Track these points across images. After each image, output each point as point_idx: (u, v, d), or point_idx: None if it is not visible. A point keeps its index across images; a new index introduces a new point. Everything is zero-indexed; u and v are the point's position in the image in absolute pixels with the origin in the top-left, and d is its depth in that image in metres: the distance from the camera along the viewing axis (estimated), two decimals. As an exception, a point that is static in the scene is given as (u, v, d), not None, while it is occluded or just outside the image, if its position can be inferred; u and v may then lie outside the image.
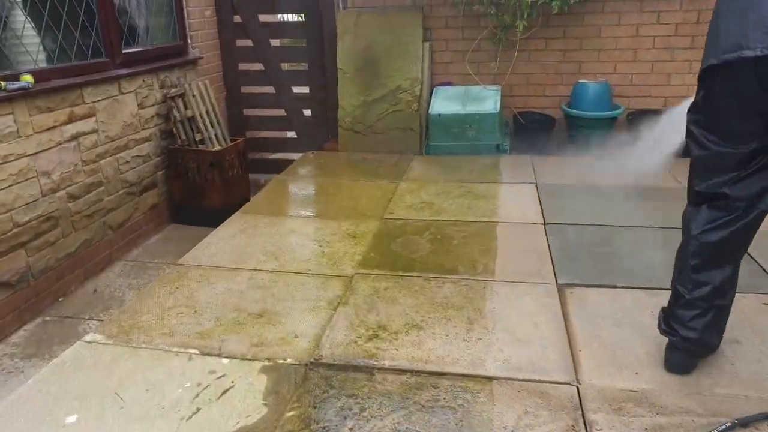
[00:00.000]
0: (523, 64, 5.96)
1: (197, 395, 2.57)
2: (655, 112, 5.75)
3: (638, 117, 5.67)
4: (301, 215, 4.65)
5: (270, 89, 6.57)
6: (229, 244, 4.10)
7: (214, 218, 4.68)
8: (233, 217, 4.60)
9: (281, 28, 7.05)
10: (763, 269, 3.41)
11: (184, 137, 5.32)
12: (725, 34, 2.10)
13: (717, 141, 2.24)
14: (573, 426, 2.30)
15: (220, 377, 2.70)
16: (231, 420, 2.42)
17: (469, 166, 5.51)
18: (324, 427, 2.36)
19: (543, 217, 4.30)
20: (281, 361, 2.80)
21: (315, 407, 2.48)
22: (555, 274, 3.47)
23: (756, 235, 2.36)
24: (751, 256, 3.54)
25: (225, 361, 2.83)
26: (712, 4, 2.22)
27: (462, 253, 3.81)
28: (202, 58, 5.85)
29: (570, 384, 2.55)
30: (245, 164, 5.92)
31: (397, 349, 2.84)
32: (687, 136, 2.37)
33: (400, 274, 3.57)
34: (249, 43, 6.39)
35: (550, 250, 3.77)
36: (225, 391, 2.61)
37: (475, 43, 5.99)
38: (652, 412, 2.35)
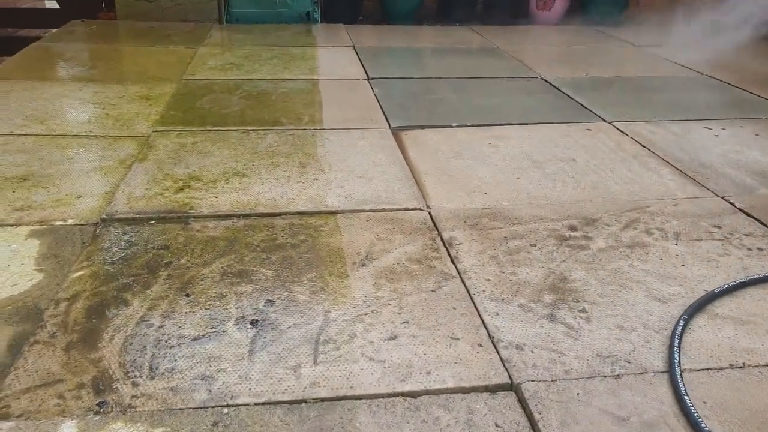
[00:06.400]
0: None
1: (-73, 272, 1.80)
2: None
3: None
4: (72, 79, 3.68)
5: (14, -58, 5.14)
6: (-31, 110, 3.07)
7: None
8: (-27, 84, 3.48)
9: None
10: (582, 105, 3.48)
11: None
12: None
13: None
14: (431, 244, 2.04)
15: (-35, 249, 1.94)
16: (-14, 294, 1.72)
17: (278, 33, 4.90)
18: (128, 283, 1.78)
19: (366, 73, 3.94)
20: (59, 223, 2.10)
21: (113, 264, 1.88)
22: (387, 120, 3.16)
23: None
24: (569, 96, 3.61)
25: (-29, 231, 2.05)
26: None
27: (283, 107, 3.30)
28: None
29: (420, 209, 2.28)
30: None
31: (216, 197, 2.30)
32: None
33: (211, 128, 2.97)
34: None
35: (378, 101, 3.45)
36: (-27, 264, 1.87)
37: None
38: (509, 223, 2.19)
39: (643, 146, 2.90)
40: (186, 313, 1.66)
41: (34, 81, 3.56)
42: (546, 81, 3.92)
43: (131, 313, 1.65)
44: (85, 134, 2.87)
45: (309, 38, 4.82)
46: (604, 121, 3.22)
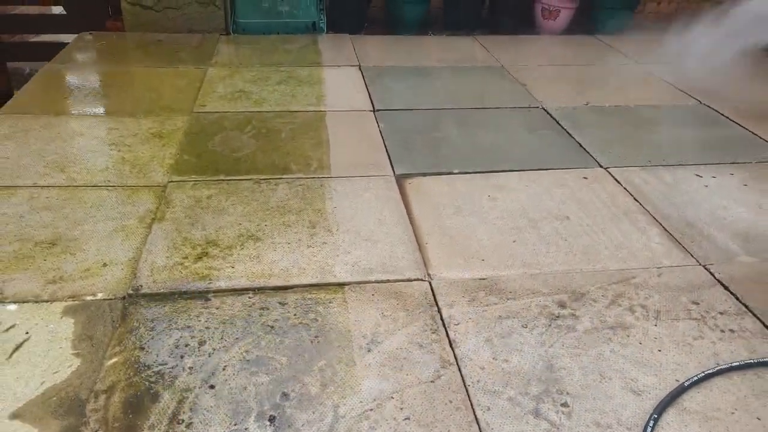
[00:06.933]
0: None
1: (-22, 359, 2.01)
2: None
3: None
4: (87, 113, 3.81)
5: (20, -51, 5.15)
6: (-6, 155, 3.22)
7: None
8: (-6, 119, 3.62)
9: None
10: (581, 145, 3.62)
11: None
12: None
13: None
14: (431, 325, 2.24)
15: (8, 329, 2.13)
16: (33, 381, 1.92)
17: (285, 47, 4.97)
18: (158, 372, 1.99)
19: (372, 103, 4.06)
20: (90, 298, 2.30)
21: (143, 349, 2.08)
22: (392, 165, 3.31)
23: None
24: (569, 134, 3.73)
25: (12, 307, 2.24)
26: None
27: (292, 148, 3.44)
28: None
29: (422, 279, 2.46)
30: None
31: (233, 267, 2.49)
32: None
33: (224, 178, 3.12)
34: None
35: (383, 138, 3.58)
36: (18, 347, 2.06)
37: None
38: (503, 298, 2.37)
39: (635, 199, 3.05)
40: (212, 407, 1.87)
41: (50, 116, 3.69)
42: (547, 112, 4.03)
43: (163, 409, 1.86)
44: (104, 185, 3.02)
45: (315, 54, 4.89)
46: (600, 166, 3.36)
